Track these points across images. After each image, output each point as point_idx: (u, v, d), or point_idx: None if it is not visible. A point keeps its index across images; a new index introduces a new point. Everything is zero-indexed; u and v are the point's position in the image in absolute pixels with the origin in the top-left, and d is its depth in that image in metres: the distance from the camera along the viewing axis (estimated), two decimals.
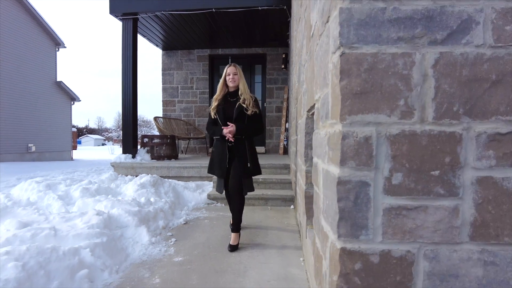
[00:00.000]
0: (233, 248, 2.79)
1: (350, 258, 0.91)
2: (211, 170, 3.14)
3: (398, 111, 0.88)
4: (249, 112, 2.86)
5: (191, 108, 7.47)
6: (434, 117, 0.89)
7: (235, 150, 2.93)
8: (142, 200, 3.73)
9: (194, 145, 7.61)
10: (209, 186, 4.85)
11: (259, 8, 5.04)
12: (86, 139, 53.15)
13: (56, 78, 16.74)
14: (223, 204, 4.38)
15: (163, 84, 7.51)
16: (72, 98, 17.87)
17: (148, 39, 6.72)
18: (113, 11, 5.35)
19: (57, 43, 16.69)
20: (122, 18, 5.43)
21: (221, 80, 2.97)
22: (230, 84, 2.91)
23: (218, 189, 3.11)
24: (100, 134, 59.42)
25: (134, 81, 5.35)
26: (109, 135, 59.04)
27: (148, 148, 5.58)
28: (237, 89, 2.94)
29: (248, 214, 3.92)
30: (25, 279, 2.02)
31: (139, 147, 5.72)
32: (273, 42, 6.92)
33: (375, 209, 0.90)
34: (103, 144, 55.84)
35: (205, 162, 5.13)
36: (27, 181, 4.26)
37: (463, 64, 0.88)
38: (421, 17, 0.88)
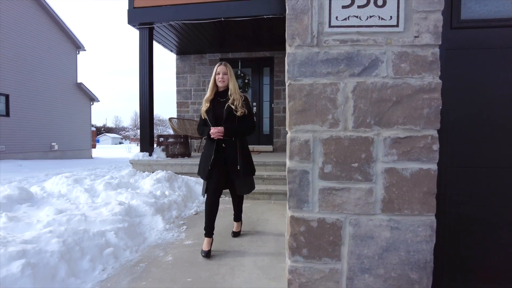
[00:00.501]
0: (236, 234, 3.21)
1: (297, 223, 1.34)
2: (203, 172, 3.01)
3: (328, 122, 1.30)
4: (238, 113, 2.80)
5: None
6: (353, 127, 1.30)
7: (226, 152, 2.88)
8: (158, 193, 4.23)
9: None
10: None
11: (264, 16, 5.46)
12: (104, 137, 54.76)
13: (76, 79, 17.61)
14: (230, 198, 4.83)
15: (177, 87, 8.05)
16: (92, 98, 18.73)
17: (163, 45, 7.26)
18: (131, 21, 5.88)
19: (78, 46, 17.56)
20: (139, 28, 5.96)
21: (212, 80, 2.89)
22: (219, 84, 2.85)
23: (202, 191, 3.05)
24: (117, 133, 61.07)
25: (150, 86, 5.89)
26: (126, 133, 60.60)
27: (163, 146, 6.11)
28: (227, 89, 2.87)
29: (253, 207, 4.37)
30: (66, 252, 2.53)
31: (155, 146, 6.26)
32: (280, 46, 7.32)
33: (313, 189, 1.32)
34: (120, 143, 57.42)
35: None
36: (57, 176, 4.84)
37: (373, 89, 1.29)
38: (343, 57, 1.29)
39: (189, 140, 6.65)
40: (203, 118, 2.93)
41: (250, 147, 7.05)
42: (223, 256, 2.74)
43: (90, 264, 2.63)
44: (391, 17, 1.26)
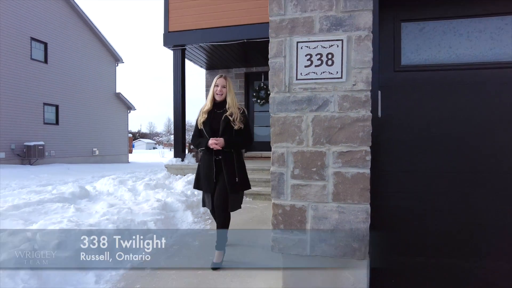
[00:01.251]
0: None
1: (277, 207, 2.05)
2: (197, 185, 3.10)
3: (296, 141, 2.01)
4: (236, 127, 2.87)
5: None
6: (312, 144, 2.00)
7: (223, 164, 2.90)
8: (188, 193, 5.06)
9: None
10: None
11: None
12: (138, 143, 57.65)
13: (115, 90, 19.23)
14: (250, 199, 5.57)
15: (206, 98, 8.94)
16: (129, 107, 20.31)
17: (194, 62, 8.20)
18: (166, 44, 6.85)
19: (117, 59, 19.20)
20: (173, 49, 6.92)
21: (210, 91, 2.97)
22: (217, 97, 2.93)
23: (207, 204, 3.11)
24: (151, 138, 64.01)
25: (183, 101, 6.81)
26: (159, 139, 63.35)
27: (193, 153, 6.99)
28: (224, 101, 2.93)
29: (258, 204, 5.10)
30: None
31: (186, 152, 7.15)
32: None
33: (287, 185, 2.03)
34: (154, 148, 60.08)
35: None
36: (105, 178, 5.85)
37: (325, 120, 1.98)
38: (305, 99, 1.99)
39: None
40: (199, 128, 2.99)
41: (258, 153, 7.75)
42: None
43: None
44: (337, 72, 1.95)
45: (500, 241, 2.03)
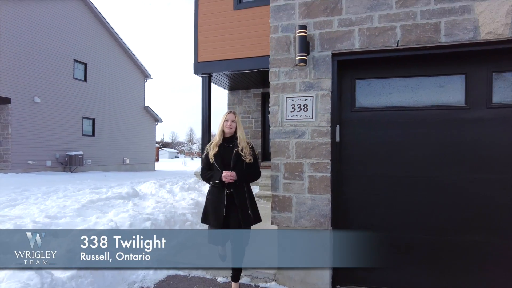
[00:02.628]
0: None
1: (274, 197, 3.40)
2: (205, 219, 3.18)
3: (286, 156, 3.35)
4: (247, 160, 3.06)
5: (248, 132, 10.23)
6: (296, 158, 3.33)
7: (235, 197, 3.00)
8: None
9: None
10: (257, 188, 7.42)
11: None
12: (161, 152, 60.07)
13: (144, 103, 21.14)
14: (264, 200, 6.89)
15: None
16: (156, 119, 22.16)
17: (218, 85, 9.71)
18: (196, 72, 8.37)
19: (146, 76, 21.15)
20: (202, 76, 8.42)
21: (220, 126, 3.15)
22: (227, 131, 3.11)
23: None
24: (174, 148, 66.53)
25: (209, 117, 8.27)
26: (181, 148, 65.69)
27: None
28: (233, 135, 3.14)
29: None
30: (167, 221, 4.79)
31: None
32: None
33: (280, 183, 3.37)
34: (176, 157, 62.33)
35: None
36: (147, 183, 7.36)
37: (303, 143, 3.31)
38: (291, 131, 3.34)
39: None
40: (210, 162, 3.09)
41: (271, 163, 9.05)
42: None
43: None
44: (310, 115, 3.29)
45: (415, 217, 3.28)
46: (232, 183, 2.95)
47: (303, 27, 3.20)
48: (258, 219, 3.12)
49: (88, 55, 16.81)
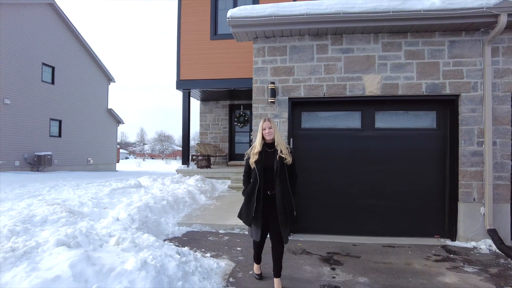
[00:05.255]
0: None
1: None
2: (247, 218, 3.40)
3: None
4: (288, 162, 3.29)
5: (217, 137, 12.53)
6: None
7: (277, 201, 3.24)
8: (199, 185, 8.67)
9: (219, 160, 12.64)
10: (229, 182, 9.77)
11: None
12: None
13: (107, 106, 22.34)
14: (235, 191, 9.27)
15: (200, 122, 12.65)
16: (118, 121, 23.42)
17: (192, 96, 11.88)
18: (178, 87, 10.50)
19: (109, 79, 22.38)
20: (183, 91, 10.56)
21: (259, 134, 3.38)
22: (267, 138, 3.35)
23: (254, 235, 3.41)
24: (124, 149, 65.80)
25: (189, 126, 10.43)
26: (133, 149, 65.07)
27: (195, 161, 10.61)
28: (273, 140, 3.36)
29: (239, 194, 8.85)
30: (174, 201, 7.00)
31: (190, 161, 10.76)
32: None
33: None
34: (126, 158, 61.81)
35: (226, 170, 10.11)
36: (143, 177, 9.35)
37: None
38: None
39: (210, 157, 11.17)
40: (252, 167, 3.37)
41: (237, 162, 11.67)
42: (234, 209, 7.21)
43: (181, 208, 7.04)
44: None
45: (337, 191, 5.87)
46: (272, 185, 3.32)
47: (272, 82, 5.67)
48: (296, 221, 3.40)
49: (56, 58, 17.83)
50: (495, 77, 5.32)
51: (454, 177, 5.52)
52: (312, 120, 6.06)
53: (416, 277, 4.01)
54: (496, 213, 5.28)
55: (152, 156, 62.76)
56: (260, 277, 3.71)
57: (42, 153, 16.49)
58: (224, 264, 4.19)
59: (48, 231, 3.86)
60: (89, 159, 20.46)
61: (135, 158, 61.31)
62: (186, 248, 4.14)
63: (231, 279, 3.77)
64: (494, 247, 5.10)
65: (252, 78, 5.87)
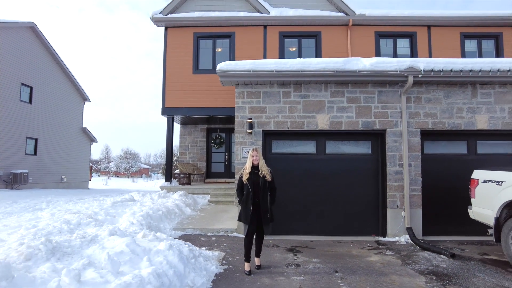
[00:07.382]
0: (258, 267, 5.09)
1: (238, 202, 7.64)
2: (246, 218, 4.91)
3: (240, 174, 7.63)
4: (267, 178, 4.96)
5: (196, 157, 14.20)
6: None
7: (261, 206, 4.88)
8: (183, 199, 10.27)
9: (197, 178, 14.26)
10: (208, 197, 11.44)
11: (232, 115, 11.89)
12: None
13: (82, 125, 23.26)
14: (214, 204, 10.96)
15: (180, 143, 14.28)
16: (92, 140, 24.31)
17: (175, 121, 13.54)
18: (163, 114, 12.16)
19: (84, 98, 23.39)
20: (167, 117, 12.23)
21: (248, 160, 5.08)
22: (255, 162, 4.99)
23: (244, 232, 5.01)
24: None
25: (171, 148, 12.05)
26: (97, 167, 64.01)
27: (177, 179, 12.20)
28: (258, 164, 4.99)
29: (219, 206, 10.58)
30: (168, 212, 8.62)
31: (172, 179, 12.33)
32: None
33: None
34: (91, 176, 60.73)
35: (204, 186, 11.81)
36: (134, 192, 10.77)
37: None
38: (244, 162, 7.64)
39: (190, 175, 12.81)
40: (244, 183, 5.02)
41: (222, 179, 13.54)
42: (218, 218, 8.95)
43: (173, 217, 8.68)
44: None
45: (299, 200, 7.77)
46: (260, 196, 4.93)
47: (250, 118, 7.59)
48: (273, 220, 5.02)
49: (34, 78, 18.77)
50: (409, 117, 7.59)
51: (384, 189, 7.65)
52: (280, 147, 8.02)
53: (352, 258, 5.96)
54: (412, 216, 7.43)
55: (117, 174, 62.23)
56: (250, 273, 4.87)
57: (19, 171, 17.20)
58: (217, 253, 5.92)
59: (91, 229, 5.42)
60: (63, 176, 21.17)
61: (99, 176, 60.50)
62: (189, 243, 5.84)
63: (224, 262, 5.53)
64: (410, 240, 7.21)
65: (228, 107, 7.92)
